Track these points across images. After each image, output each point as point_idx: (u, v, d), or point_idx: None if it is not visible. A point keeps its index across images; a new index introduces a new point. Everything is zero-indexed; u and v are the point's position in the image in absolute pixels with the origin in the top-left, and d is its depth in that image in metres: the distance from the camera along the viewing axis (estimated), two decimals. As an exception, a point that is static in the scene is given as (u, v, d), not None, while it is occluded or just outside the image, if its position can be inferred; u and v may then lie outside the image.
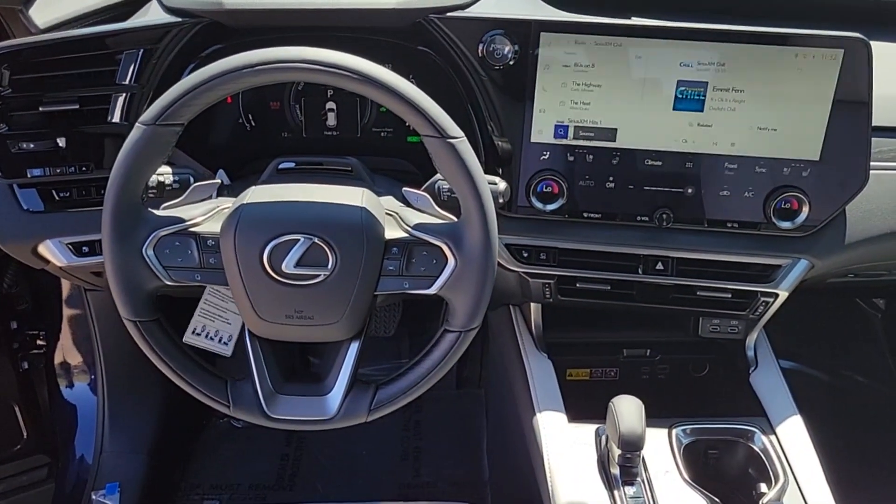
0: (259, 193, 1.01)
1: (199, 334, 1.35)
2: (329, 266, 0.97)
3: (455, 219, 1.01)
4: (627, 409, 1.09)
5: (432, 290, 1.01)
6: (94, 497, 1.67)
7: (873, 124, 1.18)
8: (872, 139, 1.19)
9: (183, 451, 1.93)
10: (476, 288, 1.00)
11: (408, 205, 1.09)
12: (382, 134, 1.31)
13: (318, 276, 0.97)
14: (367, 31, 1.19)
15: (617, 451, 1.08)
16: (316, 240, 0.96)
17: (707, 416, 1.25)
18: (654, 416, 1.24)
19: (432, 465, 1.92)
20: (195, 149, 1.24)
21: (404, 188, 1.08)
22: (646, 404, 1.28)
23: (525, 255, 1.24)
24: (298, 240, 0.96)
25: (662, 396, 1.35)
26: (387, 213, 1.06)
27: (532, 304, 1.35)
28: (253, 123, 1.30)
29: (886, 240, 1.23)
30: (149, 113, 0.92)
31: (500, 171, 1.21)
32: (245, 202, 0.99)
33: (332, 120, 1.30)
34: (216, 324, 1.29)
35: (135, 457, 1.75)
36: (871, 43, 1.11)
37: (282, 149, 1.30)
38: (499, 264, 1.25)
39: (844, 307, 2.31)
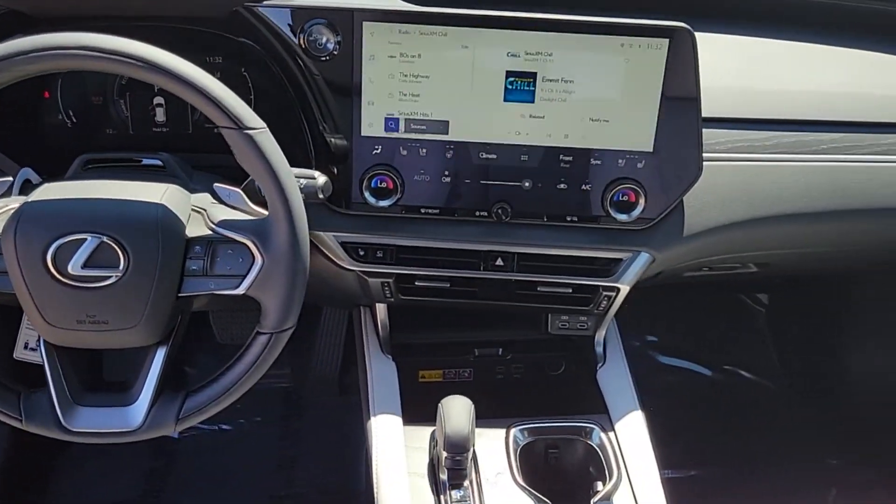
0: (48, 191, 0.95)
1: (33, 349, 1.27)
2: (120, 267, 0.91)
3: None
4: (455, 410, 1.05)
5: (240, 291, 0.96)
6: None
7: (708, 115, 1.17)
8: (708, 130, 1.19)
9: (41, 470, 1.83)
10: (286, 287, 0.96)
11: (221, 202, 1.04)
12: (215, 130, 1.25)
13: (109, 277, 0.91)
14: (185, 21, 1.13)
15: (444, 454, 1.05)
16: (105, 239, 0.90)
17: (554, 414, 1.22)
18: (498, 416, 1.22)
19: (307, 475, 1.86)
20: (14, 148, 1.17)
21: (215, 184, 1.03)
22: (494, 405, 1.25)
23: (361, 253, 1.19)
24: (85, 239, 0.90)
25: (513, 396, 1.32)
26: (194, 210, 1.00)
27: (378, 305, 1.31)
28: (74, 120, 1.23)
29: (724, 231, 1.22)
30: None
31: (336, 168, 1.16)
32: (29, 200, 0.92)
33: (160, 115, 1.23)
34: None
35: (-18, 480, 1.65)
36: (701, 34, 1.11)
37: (107, 146, 1.24)
38: (335, 264, 1.21)
39: (729, 303, 2.34)
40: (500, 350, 1.37)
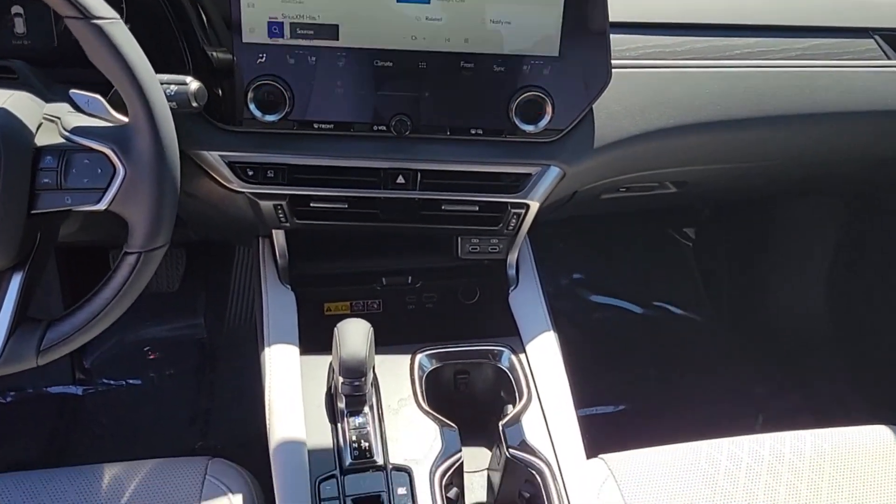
0: None
1: None
2: None
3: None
4: (351, 333, 0.97)
5: (102, 206, 0.86)
6: None
7: (617, 20, 1.11)
8: (617, 36, 1.14)
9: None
10: (153, 200, 0.86)
11: (80, 110, 0.93)
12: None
13: (-57, 193, 0.80)
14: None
15: (341, 380, 0.97)
16: None
17: (464, 340, 1.16)
18: (404, 343, 1.15)
19: (221, 428, 1.78)
20: None
21: (72, 91, 0.92)
22: (403, 335, 1.19)
23: (250, 172, 1.10)
24: None
25: (423, 326, 1.25)
26: (46, 119, 0.90)
27: (275, 232, 1.22)
28: None
29: (636, 142, 1.16)
30: None
31: (219, 81, 1.07)
32: None
33: (20, 27, 1.11)
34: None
35: None
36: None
37: (-41, 60, 1.11)
38: (223, 186, 1.12)
39: (657, 238, 2.32)
40: (410, 278, 1.29)
